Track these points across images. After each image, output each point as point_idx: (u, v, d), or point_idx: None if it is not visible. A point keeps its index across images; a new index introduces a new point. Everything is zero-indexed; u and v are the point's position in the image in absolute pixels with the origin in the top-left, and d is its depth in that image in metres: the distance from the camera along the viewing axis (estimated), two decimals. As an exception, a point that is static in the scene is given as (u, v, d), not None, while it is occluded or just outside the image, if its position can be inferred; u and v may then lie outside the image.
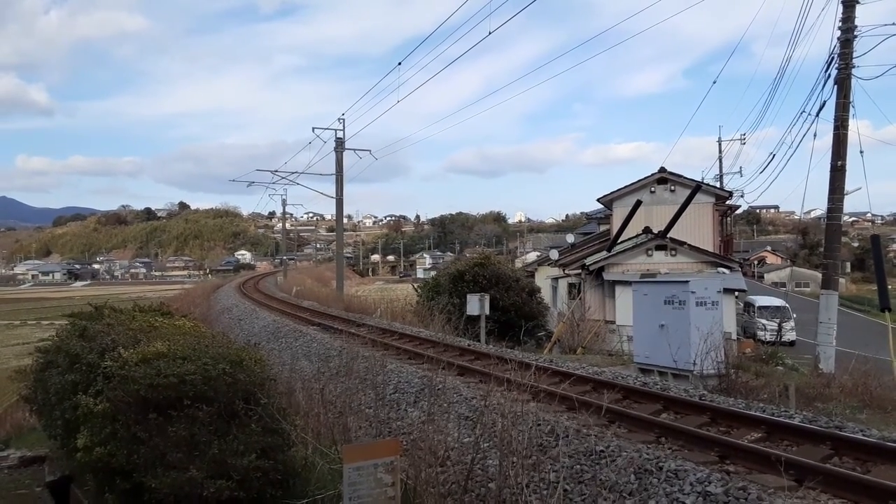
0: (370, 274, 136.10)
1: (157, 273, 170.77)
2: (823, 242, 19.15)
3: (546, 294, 29.51)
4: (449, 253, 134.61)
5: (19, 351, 36.43)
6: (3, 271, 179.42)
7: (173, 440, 6.21)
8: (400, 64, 21.53)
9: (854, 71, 16.44)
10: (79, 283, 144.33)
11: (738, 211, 42.03)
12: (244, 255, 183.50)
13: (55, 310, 56.11)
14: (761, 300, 32.77)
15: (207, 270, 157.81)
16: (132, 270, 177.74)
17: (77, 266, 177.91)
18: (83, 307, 11.59)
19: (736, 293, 23.56)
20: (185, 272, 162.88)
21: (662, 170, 25.79)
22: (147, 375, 6.43)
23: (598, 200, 28.22)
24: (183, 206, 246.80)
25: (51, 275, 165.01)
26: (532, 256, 60.41)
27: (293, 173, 38.05)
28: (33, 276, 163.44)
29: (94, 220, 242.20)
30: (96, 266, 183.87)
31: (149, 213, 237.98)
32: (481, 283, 23.87)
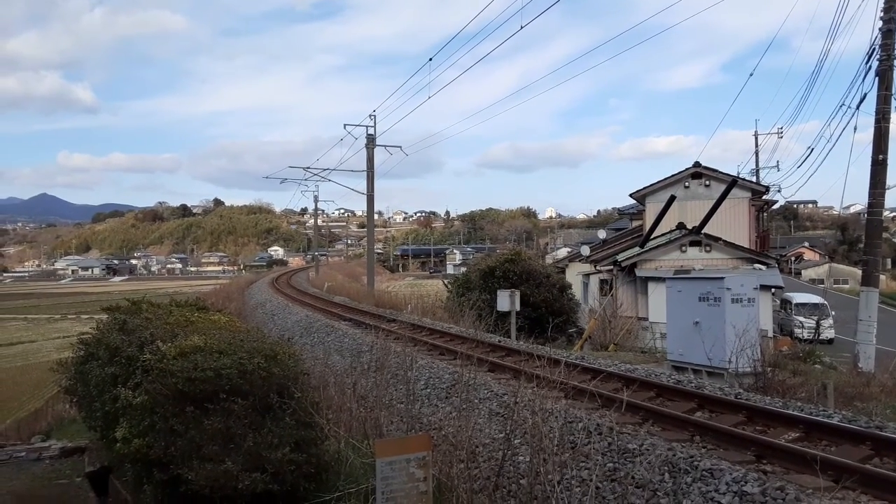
0: (400, 270, 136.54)
1: (192, 268, 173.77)
2: (864, 238, 18.74)
3: (577, 290, 29.31)
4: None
5: (60, 344, 37.44)
6: (45, 266, 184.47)
7: (209, 433, 6.31)
8: (431, 60, 21.53)
9: (896, 62, 16.05)
10: (117, 279, 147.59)
11: (775, 206, 41.27)
12: (277, 251, 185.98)
13: (94, 304, 57.40)
14: (799, 297, 32.16)
15: (241, 266, 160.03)
16: (168, 266, 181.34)
17: (115, 261, 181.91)
18: (121, 302, 11.84)
19: (773, 290, 23.11)
20: (220, 268, 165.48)
21: (697, 164, 25.41)
22: (184, 369, 6.54)
23: (631, 196, 27.93)
24: (218, 202, 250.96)
25: (90, 270, 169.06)
26: (563, 252, 59.99)
27: (325, 170, 38.44)
28: (73, 271, 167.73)
29: (131, 216, 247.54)
30: (134, 261, 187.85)
31: (184, 210, 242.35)
32: (512, 280, 23.80)
